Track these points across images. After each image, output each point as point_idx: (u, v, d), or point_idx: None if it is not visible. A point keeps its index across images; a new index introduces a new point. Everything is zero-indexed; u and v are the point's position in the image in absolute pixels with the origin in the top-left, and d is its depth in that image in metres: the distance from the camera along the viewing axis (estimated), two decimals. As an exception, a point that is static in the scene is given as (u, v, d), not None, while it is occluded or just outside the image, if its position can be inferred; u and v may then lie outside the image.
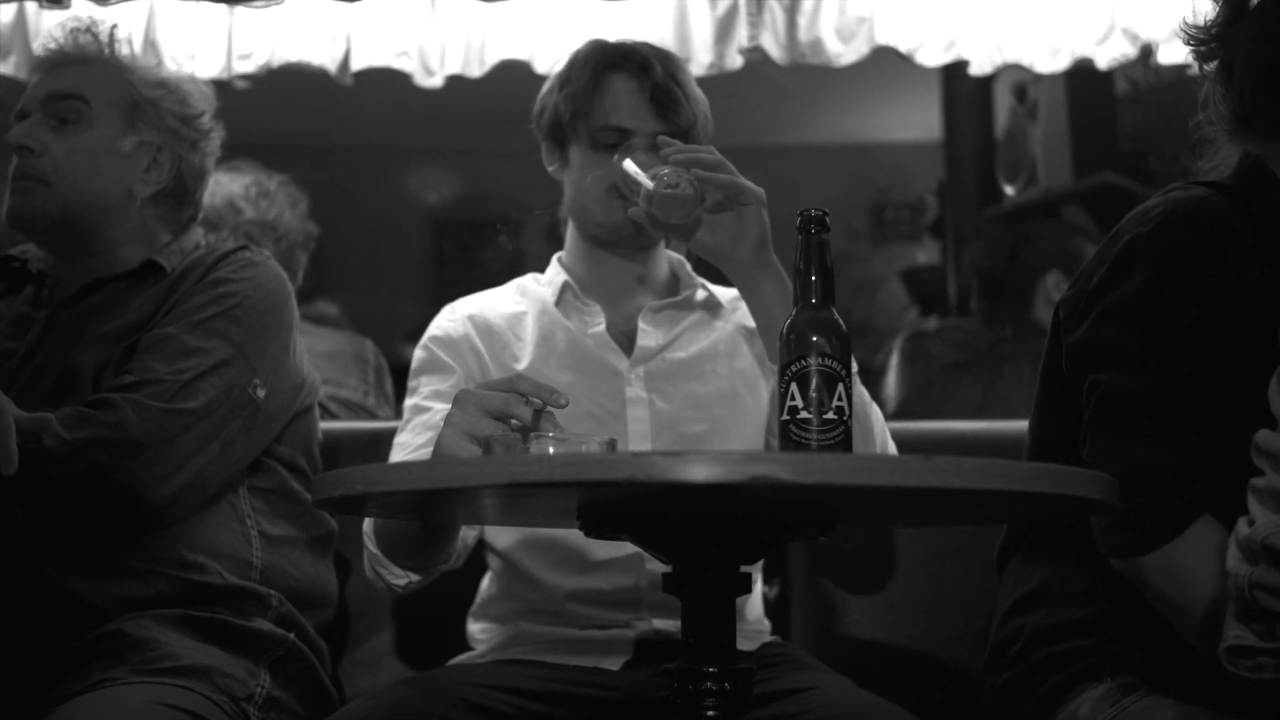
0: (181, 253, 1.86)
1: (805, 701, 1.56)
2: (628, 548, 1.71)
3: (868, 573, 1.98)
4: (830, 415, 1.24)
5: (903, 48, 3.19)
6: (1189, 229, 1.41)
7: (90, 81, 1.84)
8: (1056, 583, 1.54)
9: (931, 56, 3.22)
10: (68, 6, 2.95)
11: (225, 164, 2.69)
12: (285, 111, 6.15)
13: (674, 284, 1.92)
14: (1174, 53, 2.98)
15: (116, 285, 1.81)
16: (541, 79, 2.87)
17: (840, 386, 1.25)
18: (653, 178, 1.61)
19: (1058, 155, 4.85)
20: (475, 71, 3.21)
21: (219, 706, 1.56)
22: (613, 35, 1.94)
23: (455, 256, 8.93)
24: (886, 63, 3.27)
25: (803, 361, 1.25)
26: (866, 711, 1.54)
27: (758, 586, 1.88)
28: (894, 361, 4.19)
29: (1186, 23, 1.54)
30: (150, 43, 3.08)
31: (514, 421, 1.37)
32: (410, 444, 1.73)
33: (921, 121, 6.50)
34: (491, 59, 3.20)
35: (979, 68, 3.29)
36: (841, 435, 1.25)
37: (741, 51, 3.14)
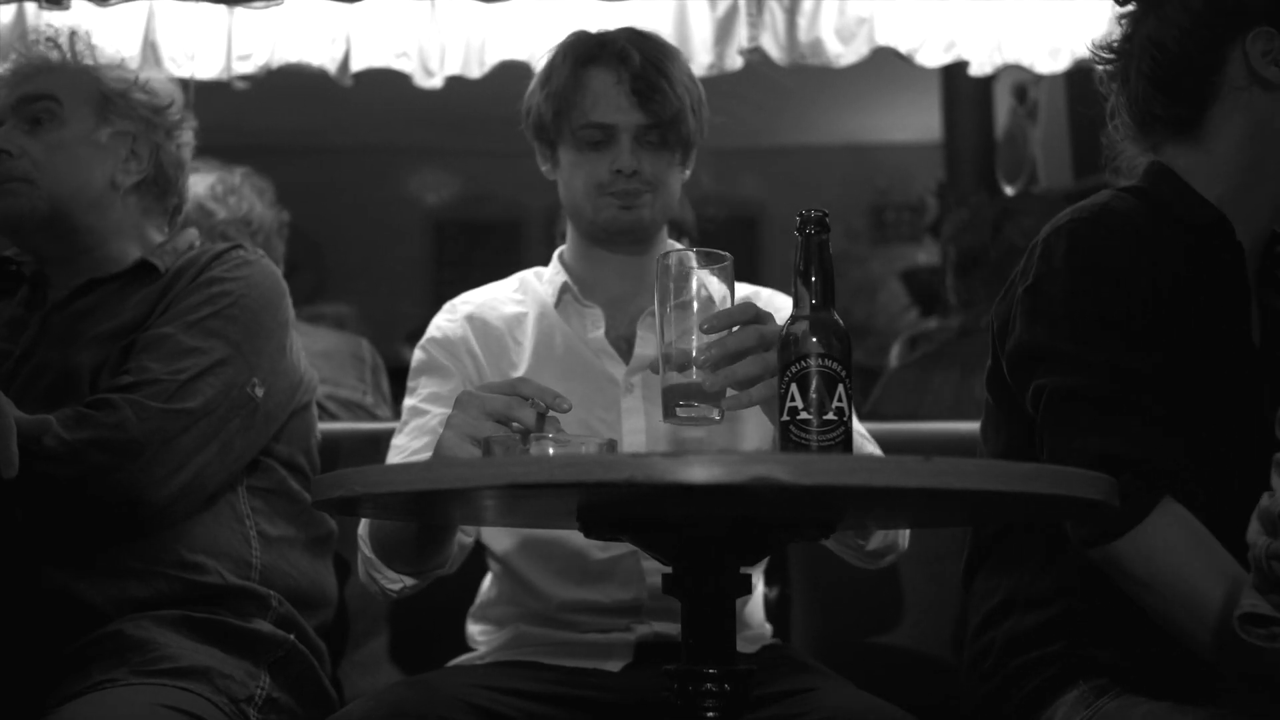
0: (175, 253, 1.86)
1: (805, 703, 1.56)
2: (627, 559, 1.71)
3: (868, 575, 1.98)
4: (830, 416, 1.24)
5: (903, 48, 3.20)
6: (1097, 229, 1.49)
7: (57, 82, 1.85)
8: (1020, 590, 1.56)
9: (931, 57, 3.23)
10: (67, 7, 2.95)
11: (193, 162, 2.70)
12: (285, 112, 6.16)
13: None
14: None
15: (110, 286, 1.81)
16: (541, 80, 2.86)
17: (840, 387, 1.25)
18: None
19: (1058, 156, 4.86)
20: (475, 72, 3.22)
21: (218, 708, 1.55)
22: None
23: (455, 257, 8.94)
24: (886, 63, 3.28)
25: (803, 362, 1.25)
26: (866, 713, 1.54)
27: (758, 590, 1.88)
28: (894, 365, 4.18)
29: (1094, 44, 1.64)
30: (150, 43, 3.09)
31: (515, 425, 1.37)
32: (407, 447, 1.72)
33: (921, 122, 6.51)
34: (491, 60, 3.20)
35: (979, 68, 3.29)
36: (841, 436, 1.24)
37: (741, 52, 3.14)
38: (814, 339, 1.25)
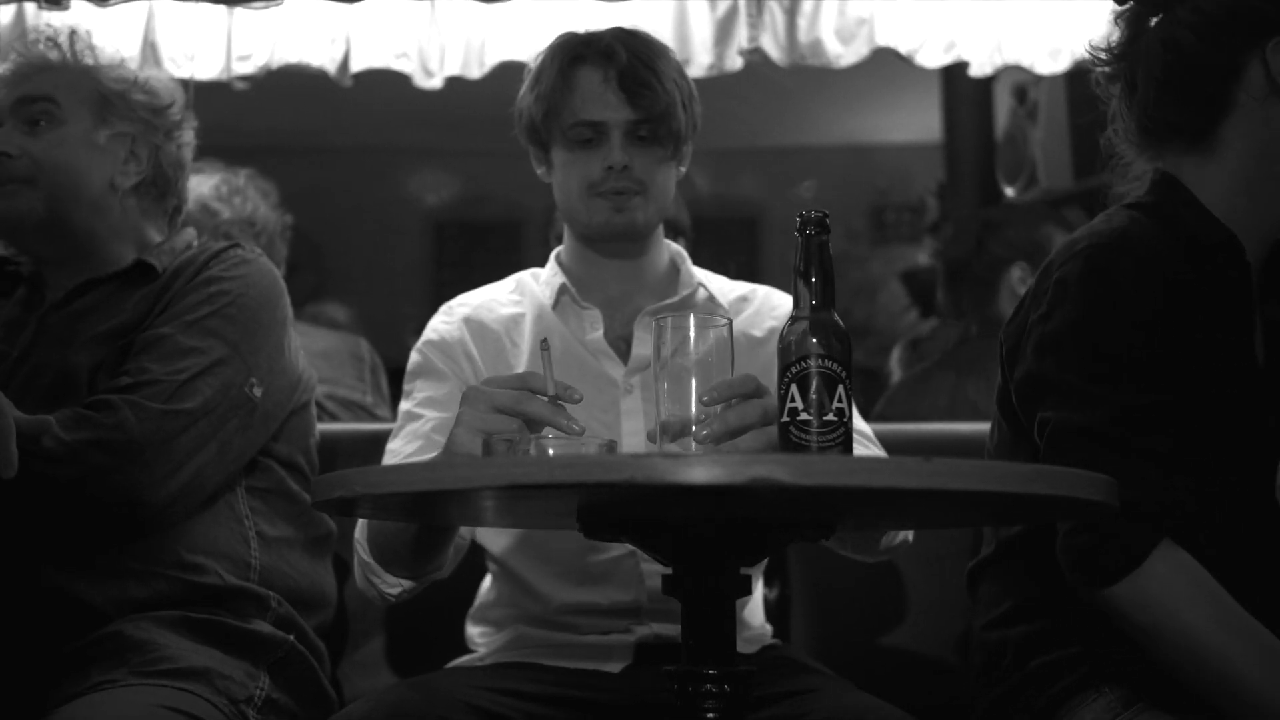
0: (173, 252, 1.86)
1: (806, 704, 1.56)
2: (626, 560, 1.71)
3: (868, 575, 1.98)
4: (830, 417, 1.24)
5: (903, 49, 3.20)
6: (1116, 260, 1.45)
7: (56, 82, 1.85)
8: (1032, 595, 1.55)
9: (931, 58, 3.23)
10: (67, 8, 2.95)
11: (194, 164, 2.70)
12: (284, 113, 6.16)
13: (673, 279, 1.87)
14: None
15: (108, 286, 1.81)
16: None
17: (840, 388, 1.24)
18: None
19: (1058, 157, 4.85)
20: (475, 73, 3.22)
21: (218, 709, 1.55)
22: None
23: (454, 257, 8.94)
24: (886, 64, 3.28)
25: (803, 363, 1.24)
26: (866, 714, 1.54)
27: (758, 591, 1.88)
28: (895, 368, 4.19)
29: (1092, 45, 1.60)
30: (150, 44, 3.08)
31: (525, 418, 1.35)
32: (401, 451, 1.71)
33: (921, 123, 6.51)
34: (491, 60, 3.20)
35: (979, 69, 3.29)
36: (841, 437, 1.24)
37: (741, 53, 3.14)
38: (814, 340, 1.25)
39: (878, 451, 1.76)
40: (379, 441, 2.15)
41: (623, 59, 1.73)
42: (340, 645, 2.05)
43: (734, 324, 1.80)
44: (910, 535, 1.72)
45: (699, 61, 3.10)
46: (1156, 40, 1.53)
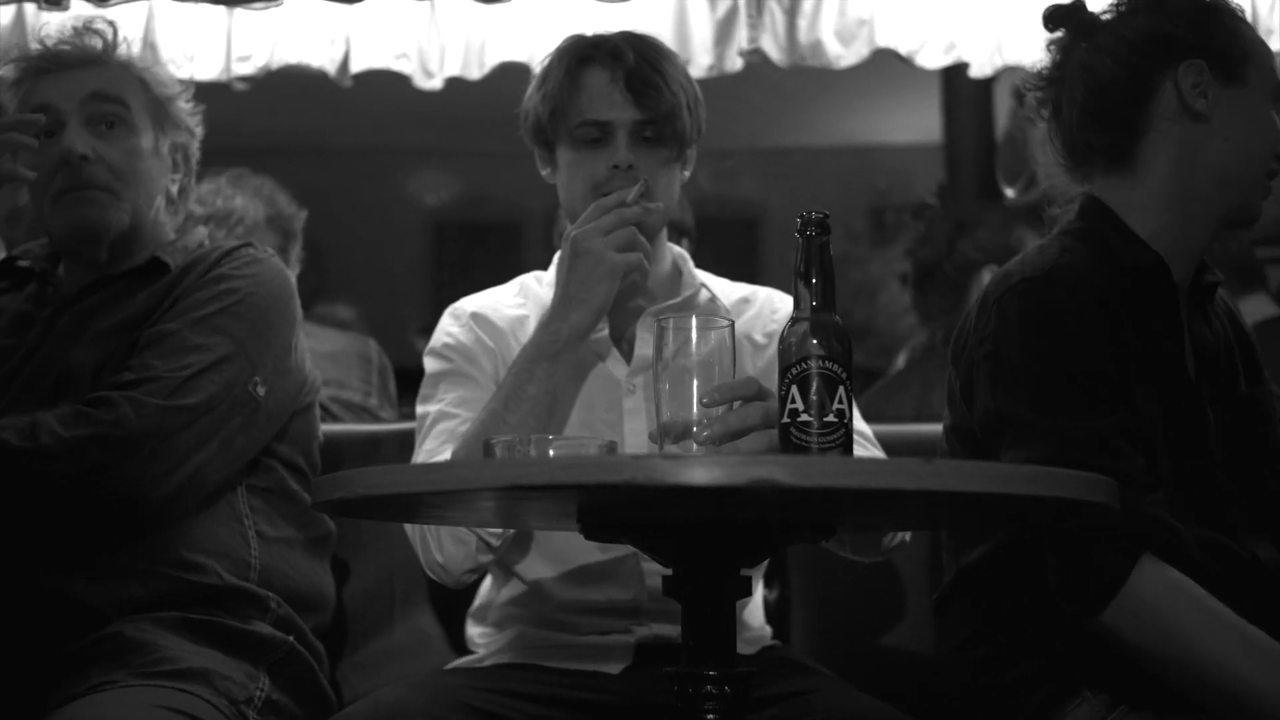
0: (185, 250, 1.85)
1: (805, 705, 1.56)
2: (627, 560, 1.71)
3: (868, 576, 1.98)
4: (830, 418, 1.24)
5: (903, 50, 3.19)
6: (1050, 288, 1.49)
7: (123, 84, 1.83)
8: (1003, 613, 1.56)
9: (932, 59, 3.23)
10: (66, 8, 2.95)
11: (223, 168, 2.70)
12: (284, 113, 6.16)
13: (676, 280, 1.87)
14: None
15: (121, 283, 1.81)
16: (541, 81, 2.83)
17: (841, 389, 1.24)
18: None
19: (1058, 157, 4.84)
20: (475, 73, 3.22)
21: (218, 709, 1.55)
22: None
23: (454, 258, 8.94)
24: (886, 65, 3.28)
25: (803, 364, 1.24)
26: (867, 715, 1.54)
27: (758, 592, 1.88)
28: (900, 369, 4.17)
29: (1026, 72, 1.67)
30: (149, 44, 3.08)
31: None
32: (435, 451, 1.69)
33: (921, 123, 6.50)
34: (491, 61, 3.20)
35: (979, 70, 3.29)
36: (842, 438, 1.24)
37: (741, 53, 3.14)
38: (814, 341, 1.25)
39: (878, 453, 1.76)
40: (380, 442, 2.16)
41: (630, 60, 1.73)
42: (340, 646, 2.05)
43: (737, 326, 1.81)
44: (908, 535, 1.72)
45: (699, 62, 3.09)
46: (1079, 65, 1.59)
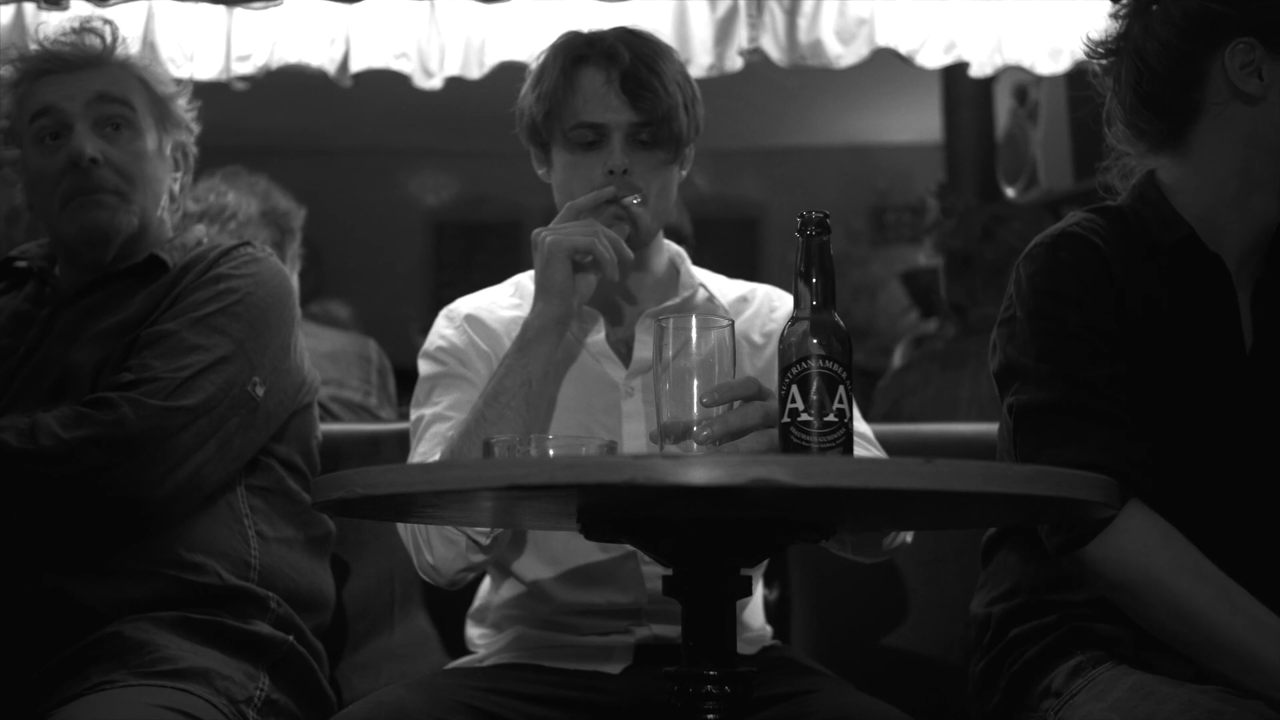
0: (183, 248, 1.85)
1: (806, 705, 1.56)
2: (627, 562, 1.71)
3: (868, 576, 1.98)
4: (831, 418, 1.23)
5: (903, 49, 3.19)
6: (1058, 256, 1.54)
7: (128, 85, 1.83)
8: (1032, 571, 1.60)
9: (932, 58, 3.23)
10: (66, 8, 2.95)
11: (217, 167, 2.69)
12: (284, 113, 6.16)
13: (673, 279, 1.87)
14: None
15: (120, 282, 1.80)
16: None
17: (841, 389, 1.24)
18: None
19: (1058, 157, 4.85)
20: (474, 73, 3.21)
21: (217, 709, 1.55)
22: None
23: (454, 258, 8.94)
24: (887, 64, 3.28)
25: (803, 364, 1.24)
26: (867, 715, 1.54)
27: (758, 592, 1.87)
28: (896, 366, 4.18)
29: (1090, 39, 1.64)
30: (149, 44, 3.08)
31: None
32: (429, 455, 1.69)
33: (922, 123, 6.51)
34: (491, 60, 3.20)
35: (979, 69, 3.29)
36: (842, 438, 1.24)
37: (741, 53, 3.14)
38: (814, 340, 1.25)
39: (878, 453, 1.76)
40: (380, 442, 2.15)
41: (626, 60, 1.72)
42: (340, 646, 2.05)
43: (736, 326, 1.80)
44: (909, 536, 1.72)
45: (699, 62, 3.09)
46: (1132, 46, 1.58)
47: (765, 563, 1.92)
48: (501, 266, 2.00)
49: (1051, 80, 4.08)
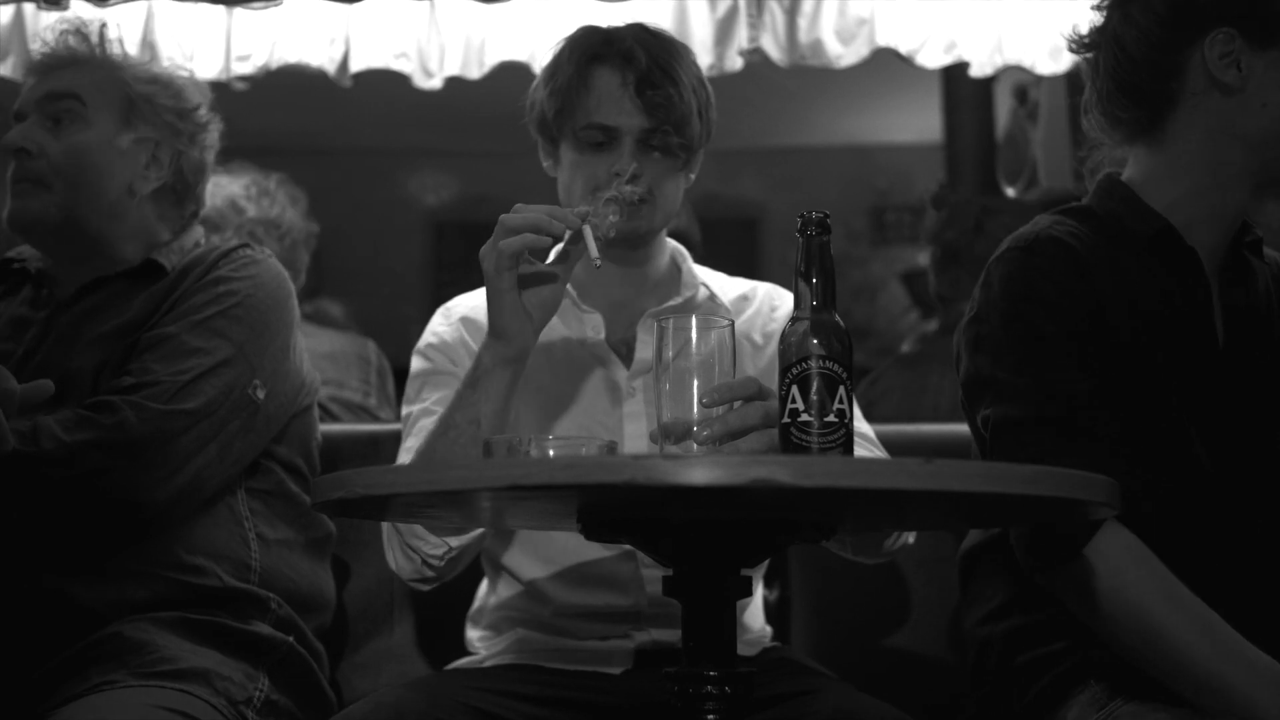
0: (181, 251, 1.85)
1: (806, 705, 1.55)
2: (626, 564, 1.70)
3: (868, 577, 1.98)
4: (831, 418, 1.23)
5: (903, 49, 3.20)
6: (1030, 257, 1.50)
7: (84, 81, 1.83)
8: (1021, 591, 1.56)
9: (932, 58, 3.23)
10: (66, 8, 2.95)
11: (222, 165, 2.69)
12: (283, 113, 6.16)
13: (674, 278, 1.86)
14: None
15: (117, 284, 1.80)
16: (541, 80, 2.81)
17: (841, 389, 1.24)
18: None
19: (1058, 157, 4.85)
20: (474, 73, 3.22)
21: (217, 710, 1.55)
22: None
23: (454, 258, 8.94)
24: (887, 64, 3.28)
25: (803, 364, 1.24)
26: (867, 715, 1.54)
27: (758, 593, 1.87)
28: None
29: (1074, 30, 1.63)
30: (148, 44, 3.09)
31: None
32: (415, 450, 1.69)
33: (922, 123, 6.50)
34: (490, 60, 3.20)
35: (980, 69, 3.29)
36: (842, 438, 1.24)
37: (741, 53, 3.14)
38: (815, 340, 1.25)
39: (879, 453, 1.75)
40: (380, 442, 2.15)
41: (642, 63, 1.70)
42: (340, 647, 2.05)
43: (737, 326, 1.79)
44: (911, 537, 1.71)
45: (699, 62, 3.09)
46: (1111, 35, 1.56)
47: (765, 563, 1.92)
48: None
49: (1051, 80, 4.08)
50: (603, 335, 1.79)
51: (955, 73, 4.15)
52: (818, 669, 1.77)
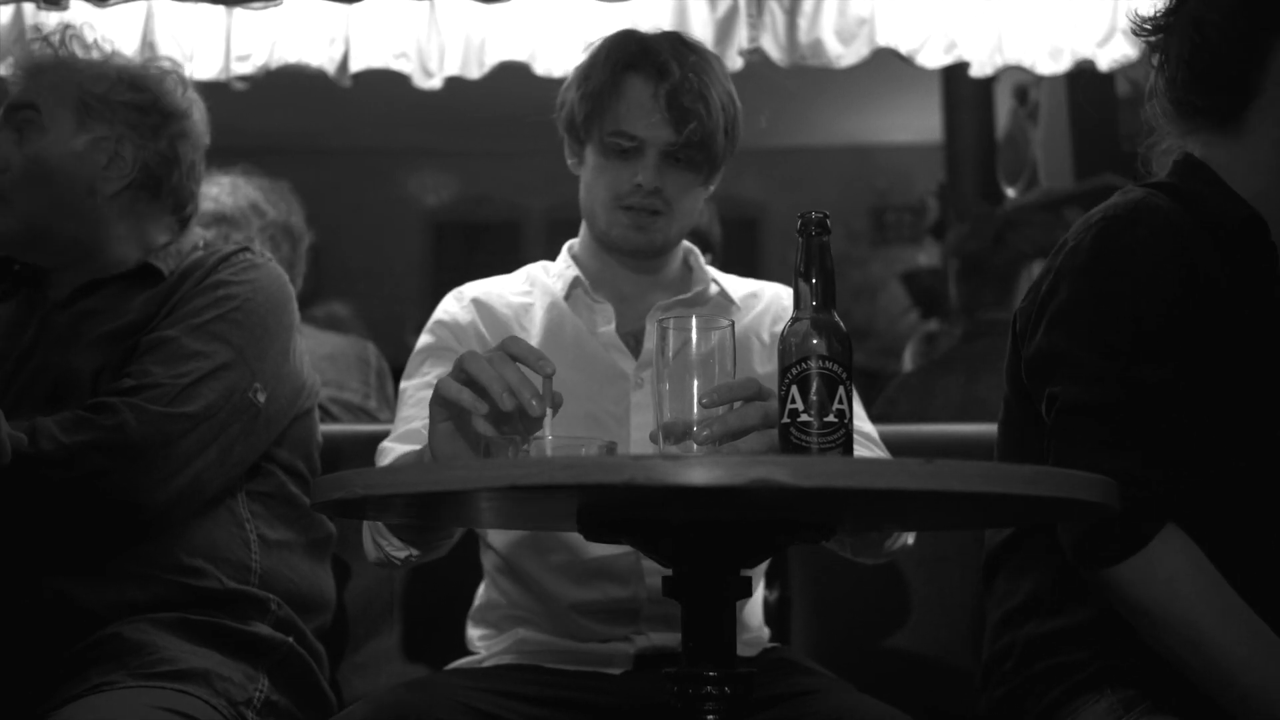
0: (179, 255, 1.84)
1: (806, 706, 1.55)
2: (626, 557, 1.71)
3: (868, 577, 1.98)
4: (831, 418, 1.23)
5: (903, 49, 3.19)
6: (1130, 232, 1.43)
7: (39, 87, 1.81)
8: (1046, 592, 1.53)
9: (932, 58, 3.23)
10: (65, 8, 2.94)
11: (232, 166, 2.70)
12: (283, 113, 6.16)
13: (686, 276, 1.87)
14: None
15: (113, 287, 1.80)
16: (541, 80, 2.84)
17: (841, 389, 1.24)
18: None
19: (1059, 157, 4.86)
20: (474, 73, 3.21)
21: (217, 710, 1.55)
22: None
23: (454, 258, 8.95)
24: (887, 64, 3.28)
25: (803, 364, 1.24)
26: (867, 716, 1.53)
27: (758, 593, 1.87)
28: (909, 366, 4.18)
29: (1137, 14, 1.57)
30: (149, 44, 3.08)
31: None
32: (413, 418, 1.69)
33: (922, 123, 6.51)
34: (490, 60, 3.20)
35: (980, 69, 3.29)
36: (842, 438, 1.24)
37: (741, 53, 3.14)
38: (815, 340, 1.25)
39: (881, 453, 1.75)
40: (379, 442, 2.15)
41: (675, 76, 1.70)
42: (340, 647, 2.05)
43: (743, 320, 1.81)
44: (911, 538, 1.71)
45: (699, 62, 3.09)
46: (1188, 19, 1.51)
47: (765, 563, 1.92)
48: (501, 266, 2.00)
49: (1052, 80, 4.09)
50: (612, 326, 1.79)
51: (955, 73, 4.15)
52: (818, 669, 1.77)
